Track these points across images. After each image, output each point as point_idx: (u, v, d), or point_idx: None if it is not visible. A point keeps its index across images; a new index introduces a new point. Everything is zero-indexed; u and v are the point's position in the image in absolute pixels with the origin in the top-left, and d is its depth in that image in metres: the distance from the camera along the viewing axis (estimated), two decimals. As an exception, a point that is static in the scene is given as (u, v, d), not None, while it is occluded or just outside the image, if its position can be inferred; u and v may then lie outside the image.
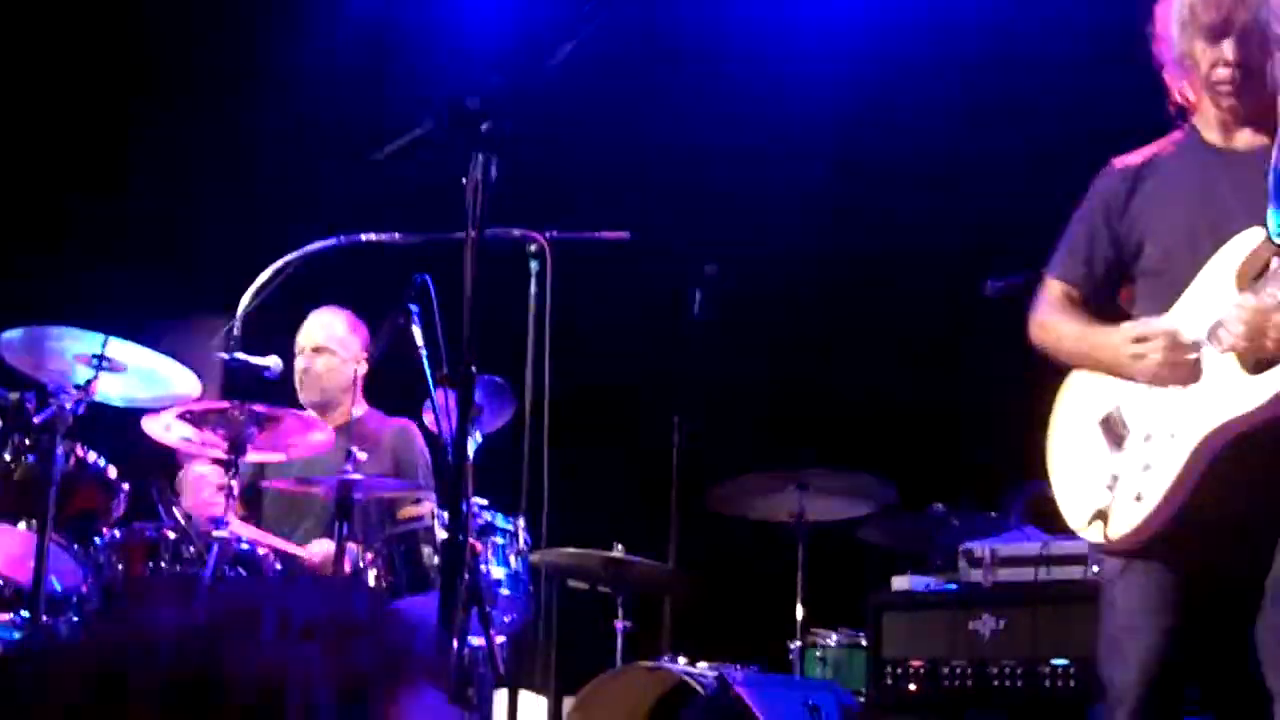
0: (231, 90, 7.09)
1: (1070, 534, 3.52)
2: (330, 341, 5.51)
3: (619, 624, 5.29)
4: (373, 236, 4.89)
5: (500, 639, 4.61)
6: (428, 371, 4.45)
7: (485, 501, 4.71)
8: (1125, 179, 3.44)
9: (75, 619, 4.59)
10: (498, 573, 4.60)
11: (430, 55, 6.92)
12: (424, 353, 4.48)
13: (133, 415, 4.77)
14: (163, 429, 4.68)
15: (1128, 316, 3.40)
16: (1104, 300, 3.48)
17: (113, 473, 4.87)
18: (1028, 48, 5.92)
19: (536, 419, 4.61)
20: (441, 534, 4.43)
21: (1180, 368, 3.20)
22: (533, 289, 4.73)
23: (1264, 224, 3.16)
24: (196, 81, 7.11)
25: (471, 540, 4.29)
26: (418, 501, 5.16)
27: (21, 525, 4.73)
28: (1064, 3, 5.78)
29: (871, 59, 6.55)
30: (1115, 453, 3.34)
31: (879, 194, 6.62)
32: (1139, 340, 3.25)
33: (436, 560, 4.58)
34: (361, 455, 4.70)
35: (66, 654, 0.93)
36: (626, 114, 6.90)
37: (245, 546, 4.69)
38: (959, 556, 5.11)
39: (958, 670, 4.92)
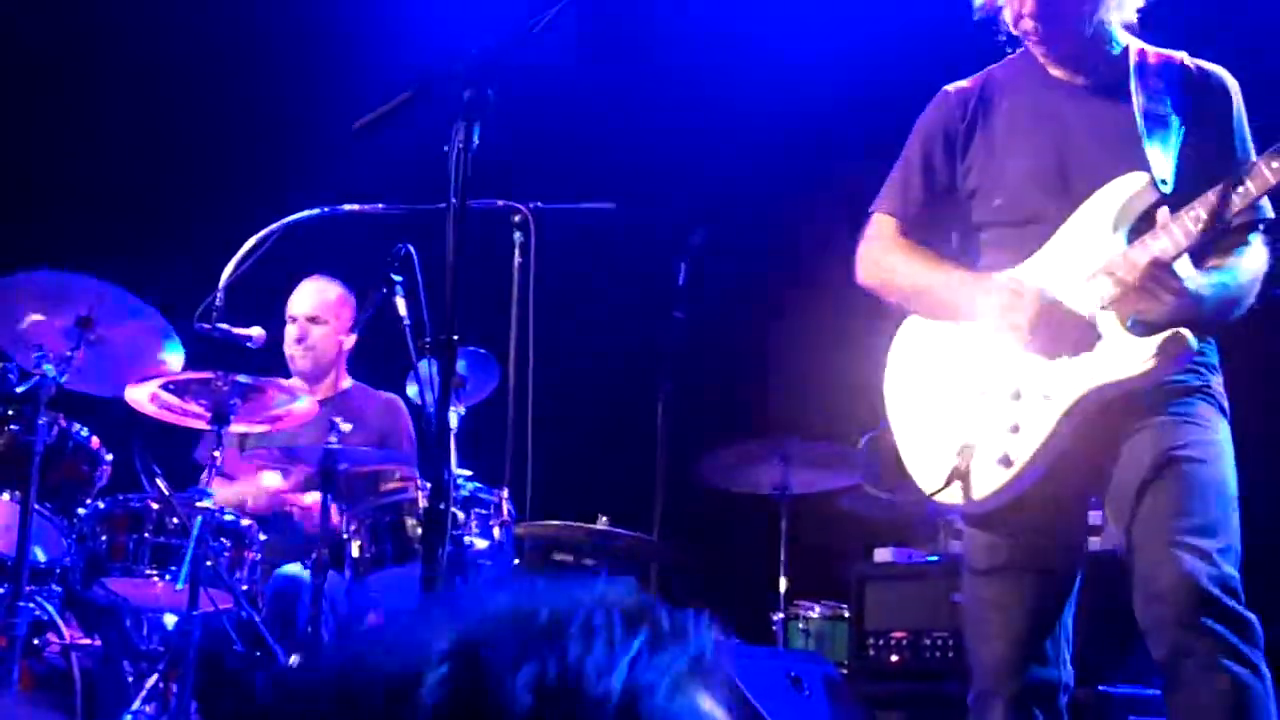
0: (214, 60, 7.06)
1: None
2: (325, 310, 5.55)
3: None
4: (356, 207, 4.87)
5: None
6: (411, 342, 4.45)
7: (469, 473, 4.70)
8: (963, 108, 3.23)
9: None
10: (481, 545, 4.60)
11: (414, 23, 6.89)
12: (407, 323, 4.47)
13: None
14: (145, 399, 4.67)
15: (953, 256, 3.22)
16: (928, 237, 3.26)
17: (96, 443, 4.86)
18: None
19: (520, 390, 4.61)
20: (425, 504, 4.43)
21: (1051, 334, 2.99)
22: (517, 260, 4.72)
23: (1132, 167, 2.99)
24: (179, 51, 7.07)
25: (454, 509, 4.29)
26: (402, 479, 5.17)
27: (4, 496, 4.73)
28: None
29: (858, 25, 6.54)
30: (974, 409, 3.10)
31: (865, 163, 6.61)
32: (1015, 294, 3.01)
33: (420, 531, 4.58)
34: (345, 426, 4.70)
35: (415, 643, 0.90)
36: (611, 83, 6.88)
37: (229, 518, 4.68)
38: (940, 528, 5.13)
39: (939, 641, 4.95)
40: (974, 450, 3.05)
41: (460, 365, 4.87)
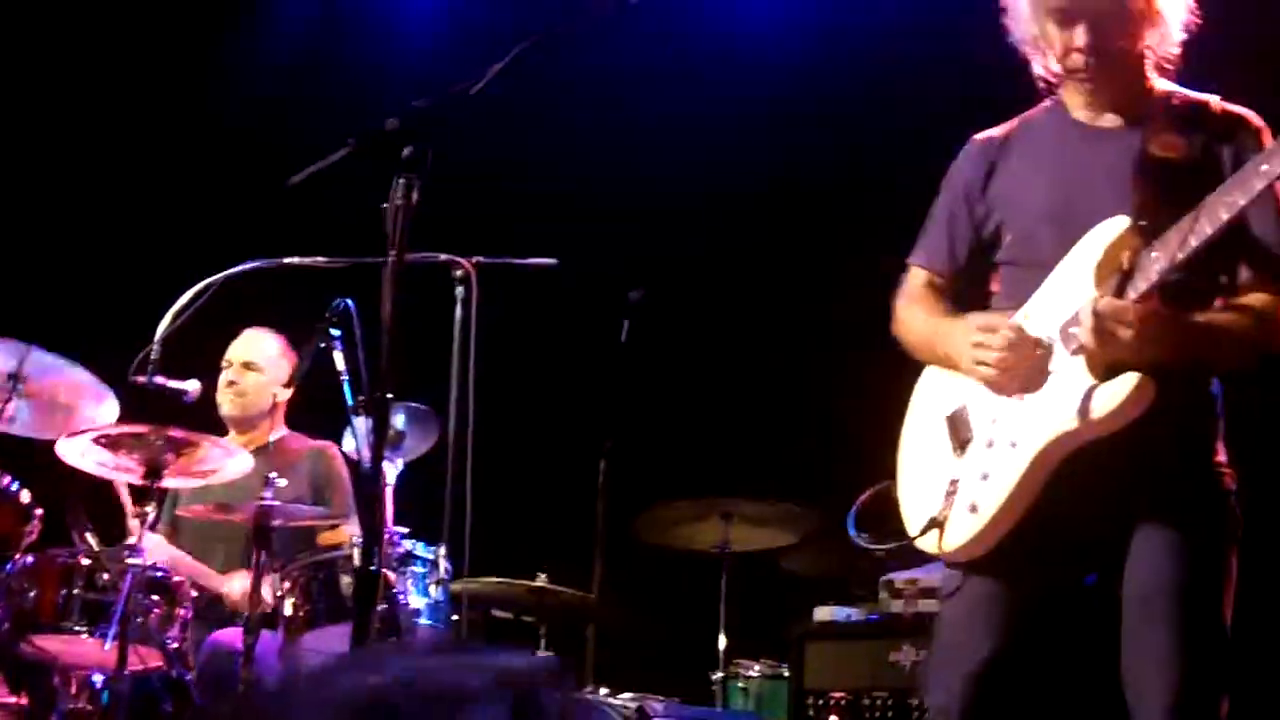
0: (156, 114, 7.03)
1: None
2: (261, 359, 5.51)
3: (540, 654, 5.25)
4: (296, 260, 4.84)
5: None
6: (348, 397, 4.41)
7: (406, 530, 4.65)
8: (986, 155, 3.20)
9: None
10: (417, 602, 4.54)
11: (357, 77, 6.89)
12: (345, 378, 4.44)
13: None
14: (78, 454, 4.60)
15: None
16: (972, 288, 3.21)
17: (26, 497, 4.79)
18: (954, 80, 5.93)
19: (460, 446, 4.58)
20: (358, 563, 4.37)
21: (1020, 372, 2.93)
22: (458, 314, 4.71)
23: (1127, 211, 2.90)
24: (122, 104, 7.04)
25: (385, 572, 4.24)
26: (335, 527, 5.12)
27: (-68, 550, 4.65)
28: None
29: (799, 84, 6.58)
30: (957, 457, 3.08)
31: (805, 222, 6.65)
32: (984, 331, 2.98)
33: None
34: (281, 482, 4.64)
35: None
36: (555, 138, 6.89)
37: (159, 574, 4.60)
38: (880, 587, 5.12)
39: (879, 701, 4.93)
40: (954, 498, 3.03)
41: (399, 420, 4.84)
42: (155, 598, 4.55)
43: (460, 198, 5.18)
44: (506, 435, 5.29)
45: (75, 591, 4.54)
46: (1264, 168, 2.68)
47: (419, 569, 4.58)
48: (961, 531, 3.02)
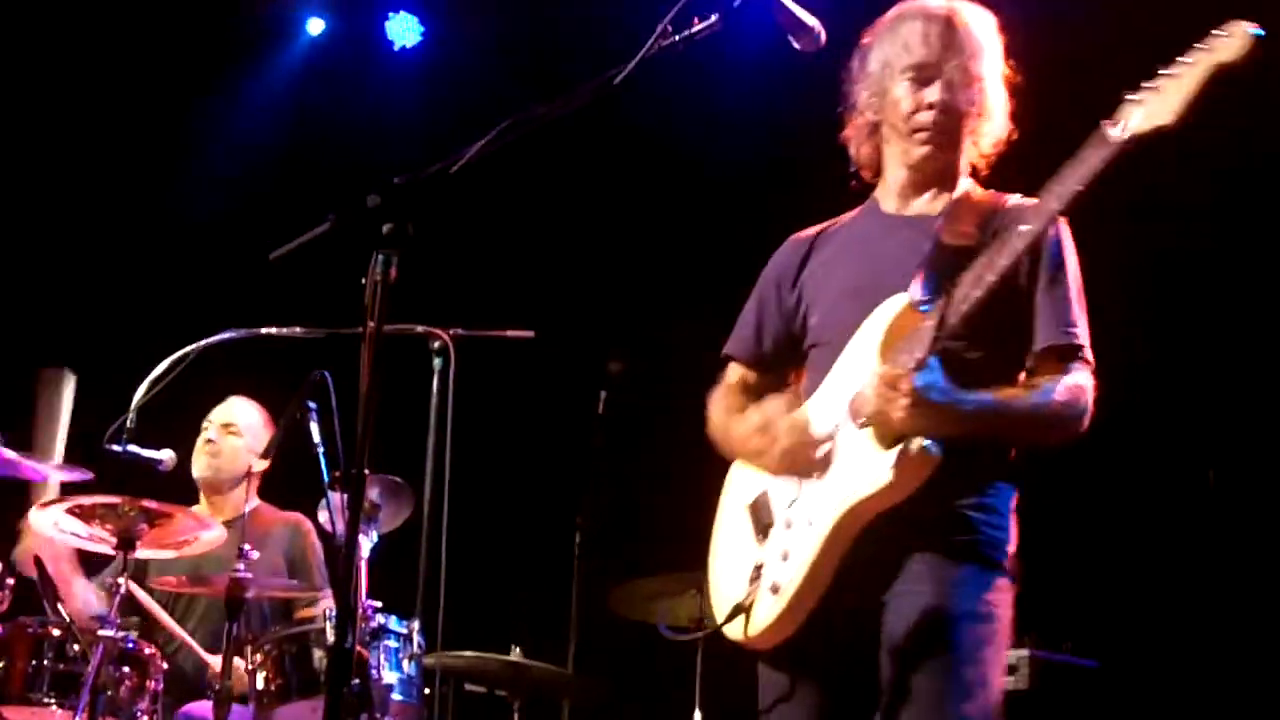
0: (136, 184, 7.05)
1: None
2: (242, 425, 5.49)
3: (515, 729, 5.21)
4: (274, 330, 4.84)
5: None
6: (324, 469, 4.40)
7: (379, 604, 4.62)
8: (798, 250, 3.27)
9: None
10: (390, 677, 4.50)
11: (339, 149, 6.93)
12: (321, 450, 4.42)
13: (13, 504, 4.68)
14: (50, 524, 4.57)
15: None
16: (781, 379, 3.24)
17: (-3, 567, 4.75)
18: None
19: (434, 518, 4.56)
20: (332, 636, 4.34)
21: (806, 461, 2.98)
22: (435, 386, 4.71)
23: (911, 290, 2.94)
24: (103, 174, 7.05)
25: (359, 648, 4.21)
26: (313, 601, 5.08)
27: (-102, 622, 4.59)
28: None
29: (779, 157, 6.63)
30: (760, 543, 3.07)
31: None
32: (762, 431, 3.05)
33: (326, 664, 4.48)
34: (255, 554, 4.61)
35: None
36: (533, 211, 6.93)
37: (130, 646, 4.56)
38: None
39: (854, 780, 4.88)
40: (758, 583, 3.01)
41: (373, 492, 4.82)
42: (126, 669, 4.50)
43: (438, 269, 5.20)
44: (482, 508, 5.27)
45: (45, 662, 4.49)
46: (1023, 228, 2.77)
47: (392, 643, 4.54)
48: (765, 614, 2.98)
